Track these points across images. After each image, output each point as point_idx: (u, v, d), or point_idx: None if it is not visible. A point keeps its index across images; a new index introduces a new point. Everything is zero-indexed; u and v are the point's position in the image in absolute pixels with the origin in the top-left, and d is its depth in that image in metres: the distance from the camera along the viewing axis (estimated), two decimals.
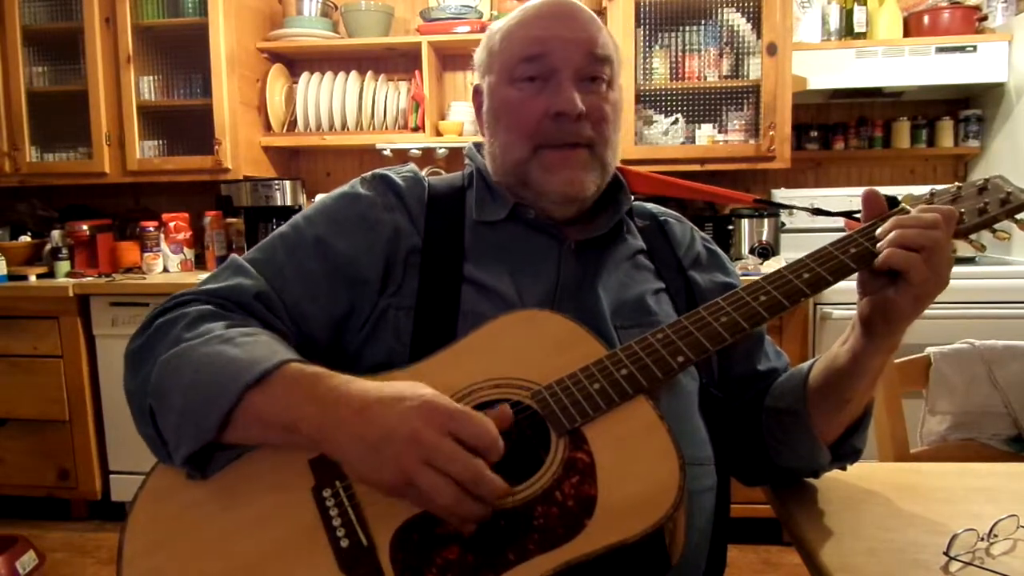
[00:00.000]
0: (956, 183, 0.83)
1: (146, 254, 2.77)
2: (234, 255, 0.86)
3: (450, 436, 0.60)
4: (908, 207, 0.79)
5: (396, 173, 0.92)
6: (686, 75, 2.61)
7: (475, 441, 0.61)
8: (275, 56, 2.94)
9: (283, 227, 0.88)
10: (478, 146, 0.98)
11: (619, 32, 2.51)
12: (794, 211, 2.72)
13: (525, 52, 0.86)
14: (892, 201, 0.80)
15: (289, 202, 2.77)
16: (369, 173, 0.92)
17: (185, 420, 0.68)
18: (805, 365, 0.86)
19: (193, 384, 0.68)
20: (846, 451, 0.86)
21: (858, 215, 0.80)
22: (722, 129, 2.63)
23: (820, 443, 0.83)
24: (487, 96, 0.92)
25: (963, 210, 0.78)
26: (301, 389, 0.67)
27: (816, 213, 1.13)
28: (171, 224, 2.82)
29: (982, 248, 0.84)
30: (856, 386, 0.79)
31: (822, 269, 0.75)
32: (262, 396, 0.66)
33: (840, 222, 1.12)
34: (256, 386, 0.66)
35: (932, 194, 0.81)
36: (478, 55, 0.94)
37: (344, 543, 0.63)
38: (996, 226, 0.79)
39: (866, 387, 0.79)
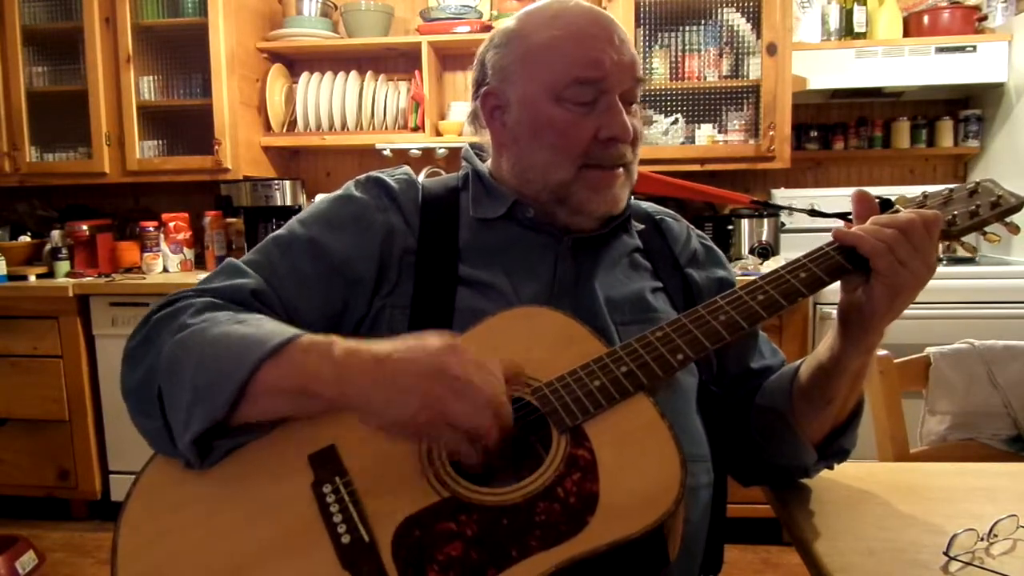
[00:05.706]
0: (947, 186, 0.84)
1: (146, 254, 2.77)
2: (230, 258, 0.86)
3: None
4: (902, 208, 0.79)
5: (390, 175, 0.92)
6: (686, 75, 2.61)
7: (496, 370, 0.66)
8: (275, 56, 2.94)
9: (278, 231, 0.88)
10: (475, 147, 0.98)
11: None
12: (793, 211, 2.72)
13: (581, 73, 0.83)
14: (886, 203, 0.81)
15: (289, 202, 2.77)
16: (363, 176, 0.92)
17: (199, 394, 0.67)
18: (797, 363, 0.87)
19: (207, 359, 0.68)
20: (834, 451, 0.87)
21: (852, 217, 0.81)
22: (722, 129, 2.63)
23: (804, 442, 0.84)
24: (518, 107, 0.87)
25: (955, 212, 0.79)
26: (315, 353, 0.67)
27: (813, 214, 1.14)
28: (171, 224, 2.82)
29: (974, 250, 0.86)
30: (836, 386, 0.80)
31: (819, 269, 0.76)
32: (276, 368, 0.67)
33: (839, 222, 1.13)
34: (270, 359, 0.67)
35: (924, 196, 0.82)
36: (498, 58, 0.89)
37: (345, 539, 0.63)
38: (987, 228, 0.81)
39: (847, 388, 0.81)
